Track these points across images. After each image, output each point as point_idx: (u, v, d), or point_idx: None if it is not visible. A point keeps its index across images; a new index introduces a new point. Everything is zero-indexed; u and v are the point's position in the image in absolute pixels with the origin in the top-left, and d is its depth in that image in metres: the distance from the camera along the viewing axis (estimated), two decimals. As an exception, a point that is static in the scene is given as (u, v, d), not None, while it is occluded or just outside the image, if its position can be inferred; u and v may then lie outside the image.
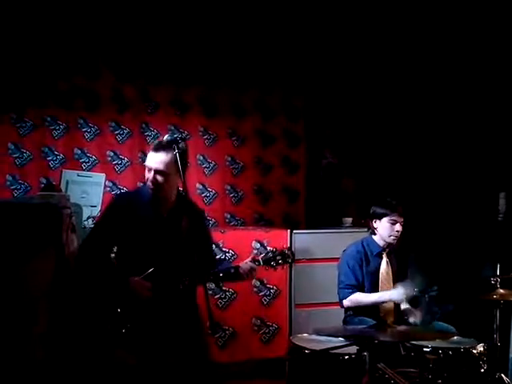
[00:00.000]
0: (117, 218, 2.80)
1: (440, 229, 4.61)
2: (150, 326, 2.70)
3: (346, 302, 3.41)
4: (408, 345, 2.88)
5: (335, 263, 3.68)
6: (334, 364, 2.78)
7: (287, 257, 2.88)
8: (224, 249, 4.20)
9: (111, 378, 2.70)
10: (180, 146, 2.72)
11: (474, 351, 2.88)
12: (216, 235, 4.27)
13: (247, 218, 4.89)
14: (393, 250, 3.56)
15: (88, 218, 3.78)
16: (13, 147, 4.32)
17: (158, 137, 4.60)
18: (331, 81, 5.09)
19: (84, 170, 4.41)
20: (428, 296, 3.53)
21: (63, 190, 3.89)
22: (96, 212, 3.92)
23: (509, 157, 4.34)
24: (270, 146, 4.98)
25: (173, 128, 4.68)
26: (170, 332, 2.73)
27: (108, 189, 4.42)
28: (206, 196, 4.74)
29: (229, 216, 4.86)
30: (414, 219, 3.71)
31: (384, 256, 3.53)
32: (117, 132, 4.57)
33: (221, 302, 4.20)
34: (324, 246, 4.42)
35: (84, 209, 3.71)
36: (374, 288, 3.47)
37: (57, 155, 4.41)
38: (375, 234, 3.54)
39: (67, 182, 3.93)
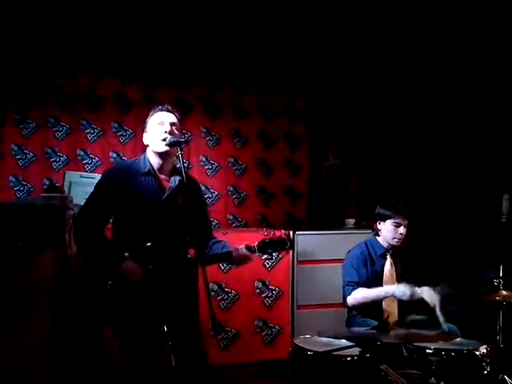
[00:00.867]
0: (112, 189, 2.73)
1: (443, 230, 4.60)
2: (144, 306, 2.63)
3: (350, 300, 3.40)
4: (411, 346, 2.88)
5: (338, 264, 3.68)
6: (336, 366, 2.77)
7: (285, 243, 2.75)
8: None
9: (110, 378, 2.70)
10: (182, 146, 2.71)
11: (477, 353, 2.87)
12: (218, 236, 4.27)
13: (250, 220, 4.89)
14: (397, 250, 3.56)
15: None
16: (16, 148, 4.33)
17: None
18: (334, 82, 5.09)
19: (87, 171, 4.41)
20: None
21: (66, 191, 3.91)
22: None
23: (512, 158, 4.34)
24: (272, 147, 4.98)
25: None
26: (163, 315, 2.65)
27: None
28: (208, 197, 4.73)
29: (231, 217, 4.86)
30: (417, 221, 3.70)
31: (388, 257, 3.53)
32: (120, 133, 4.58)
33: (223, 304, 4.20)
34: (326, 248, 4.42)
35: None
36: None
37: (60, 156, 4.41)
38: (379, 235, 3.55)
39: (70, 184, 3.94)
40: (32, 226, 2.86)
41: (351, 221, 4.86)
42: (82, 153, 4.47)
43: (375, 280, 3.48)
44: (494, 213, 4.38)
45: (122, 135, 4.58)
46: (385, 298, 3.38)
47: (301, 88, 5.04)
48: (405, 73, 4.90)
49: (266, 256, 4.29)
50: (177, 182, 2.77)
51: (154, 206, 2.72)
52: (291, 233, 4.19)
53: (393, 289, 3.36)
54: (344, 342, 2.82)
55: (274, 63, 4.94)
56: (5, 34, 4.17)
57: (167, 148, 2.73)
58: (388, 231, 3.48)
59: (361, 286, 3.41)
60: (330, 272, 4.15)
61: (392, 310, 3.42)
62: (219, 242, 2.93)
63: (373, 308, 3.41)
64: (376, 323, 3.24)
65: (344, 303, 3.47)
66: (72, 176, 4.02)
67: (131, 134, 4.60)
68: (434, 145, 4.83)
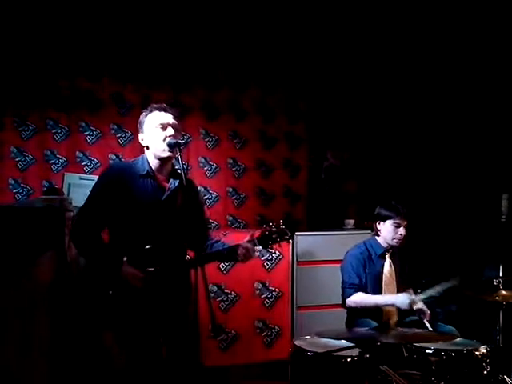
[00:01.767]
0: (110, 190, 2.68)
1: (443, 230, 4.60)
2: (142, 313, 2.63)
3: (348, 302, 3.41)
4: (411, 347, 2.88)
5: (337, 265, 3.67)
6: (336, 366, 2.77)
7: (284, 233, 2.74)
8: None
9: (107, 377, 2.70)
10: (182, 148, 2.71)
11: (477, 353, 2.87)
12: (218, 238, 4.26)
13: (249, 221, 4.89)
14: (396, 251, 3.56)
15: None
16: (15, 151, 4.32)
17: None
18: (333, 82, 5.09)
19: (86, 173, 4.41)
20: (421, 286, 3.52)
21: (65, 193, 3.91)
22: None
23: (511, 158, 4.34)
24: (271, 148, 4.98)
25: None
26: (162, 319, 2.66)
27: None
28: (207, 198, 4.73)
29: (231, 218, 4.86)
30: (417, 220, 3.71)
31: (387, 257, 3.53)
32: (119, 135, 4.57)
33: (223, 305, 4.20)
34: (326, 248, 4.42)
35: (86, 212, 3.71)
36: (377, 289, 3.48)
37: (59, 158, 4.41)
38: (378, 235, 3.55)
39: (69, 185, 3.94)
40: (31, 228, 2.86)
41: (351, 221, 4.86)
42: (81, 155, 4.47)
43: (374, 280, 3.48)
44: (493, 212, 4.38)
45: (121, 137, 4.58)
46: (384, 306, 3.38)
47: (300, 88, 5.04)
48: (404, 74, 4.91)
49: (265, 257, 4.31)
50: (176, 184, 2.74)
51: (152, 208, 2.69)
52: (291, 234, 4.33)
53: (392, 299, 3.37)
54: (344, 343, 2.82)
55: (272, 64, 4.93)
56: (4, 37, 4.17)
57: (170, 153, 2.70)
58: (388, 232, 3.48)
59: (361, 288, 3.42)
60: (330, 273, 4.15)
61: (392, 311, 3.41)
62: (217, 241, 2.90)
63: (373, 309, 3.41)
64: (376, 324, 3.25)
65: (343, 305, 3.48)
66: (71, 178, 4.02)
67: (130, 135, 4.59)
68: (433, 145, 4.83)
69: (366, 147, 5.17)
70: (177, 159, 2.70)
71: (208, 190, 4.77)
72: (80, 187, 3.99)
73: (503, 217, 4.35)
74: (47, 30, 4.29)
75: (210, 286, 3.99)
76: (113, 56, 4.52)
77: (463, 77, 4.61)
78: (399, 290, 3.47)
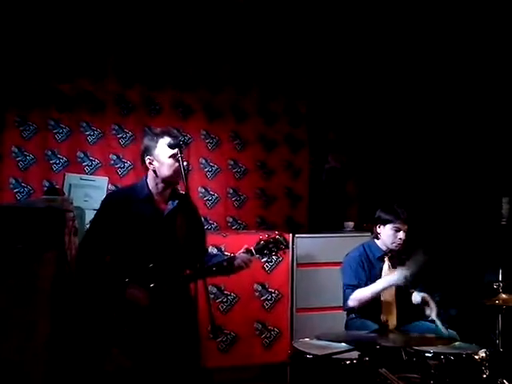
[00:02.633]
0: (112, 217, 2.79)
1: (443, 233, 4.60)
2: (147, 329, 2.70)
3: (350, 303, 3.40)
4: (410, 350, 2.88)
5: (337, 267, 3.68)
6: (335, 369, 2.77)
7: (280, 243, 2.81)
8: (226, 253, 4.18)
9: (108, 380, 2.71)
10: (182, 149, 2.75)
11: (476, 357, 2.86)
12: (218, 239, 4.27)
13: (249, 222, 4.89)
14: (395, 253, 3.55)
15: (90, 221, 3.78)
16: (16, 150, 4.33)
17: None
18: (334, 85, 5.09)
19: (87, 174, 4.41)
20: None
21: (66, 193, 3.91)
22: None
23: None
24: (272, 150, 4.98)
25: (175, 131, 4.68)
26: (166, 333, 2.73)
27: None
28: (208, 200, 4.74)
29: (231, 220, 4.86)
30: (417, 224, 3.70)
31: (386, 260, 3.53)
32: (120, 135, 4.58)
33: (222, 306, 4.20)
34: (326, 250, 4.42)
35: (86, 212, 3.72)
36: (377, 291, 3.47)
37: (60, 158, 4.41)
38: (378, 238, 3.55)
39: (70, 186, 3.95)
40: (32, 228, 2.87)
41: (350, 224, 4.86)
42: (82, 155, 4.47)
43: (374, 282, 3.47)
44: (493, 216, 4.38)
45: (121, 137, 4.58)
46: (384, 289, 3.36)
47: (301, 91, 5.04)
48: (405, 77, 4.91)
49: (265, 259, 4.30)
50: (175, 205, 2.82)
51: (152, 228, 2.78)
52: (290, 235, 4.33)
53: (388, 279, 3.35)
54: (343, 346, 2.82)
55: (274, 66, 4.93)
56: (5, 37, 4.18)
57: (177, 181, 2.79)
58: (387, 236, 3.48)
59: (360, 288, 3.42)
60: (330, 275, 4.15)
61: (391, 314, 3.41)
62: (215, 255, 3.04)
63: (372, 311, 3.41)
64: (375, 326, 3.25)
65: (345, 306, 3.47)
66: (72, 178, 4.02)
67: (131, 136, 4.60)
68: (433, 148, 4.83)
69: (366, 150, 5.17)
70: (178, 161, 2.74)
71: (208, 191, 4.77)
72: (80, 187, 4.00)
73: (503, 220, 4.35)
74: (49, 30, 4.30)
75: (210, 287, 3.97)
76: (115, 57, 4.53)
77: (463, 79, 4.61)
78: (397, 293, 3.47)
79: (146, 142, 2.86)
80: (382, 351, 2.59)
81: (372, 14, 4.60)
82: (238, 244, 4.23)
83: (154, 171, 2.82)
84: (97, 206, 3.94)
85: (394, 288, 3.46)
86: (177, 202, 2.82)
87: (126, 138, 4.59)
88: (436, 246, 4.54)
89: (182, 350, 2.74)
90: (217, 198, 4.81)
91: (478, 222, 4.47)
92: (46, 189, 4.22)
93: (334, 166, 5.14)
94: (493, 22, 4.29)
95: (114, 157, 4.56)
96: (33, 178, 4.35)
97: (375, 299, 3.41)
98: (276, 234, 2.85)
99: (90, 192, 4.03)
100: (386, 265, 3.52)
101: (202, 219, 3.21)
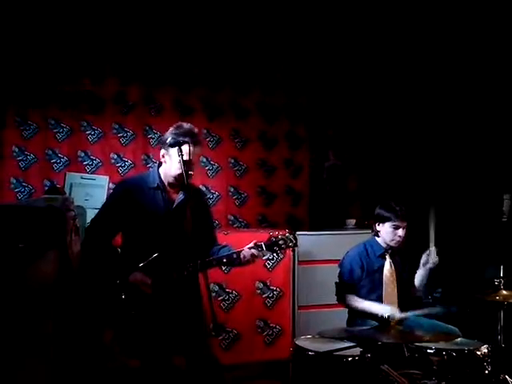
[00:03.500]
0: (123, 203, 2.84)
1: (444, 230, 4.60)
2: (153, 314, 2.74)
3: (339, 299, 3.46)
4: (412, 346, 2.88)
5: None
6: (337, 366, 2.78)
7: (289, 241, 2.84)
8: (228, 251, 4.20)
9: (111, 379, 2.73)
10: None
11: (478, 353, 2.88)
12: (219, 237, 4.25)
13: (250, 220, 4.89)
14: (396, 250, 3.56)
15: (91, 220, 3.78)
16: (17, 150, 4.33)
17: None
18: (334, 82, 5.09)
19: (87, 173, 4.42)
20: (432, 297, 3.53)
21: (67, 192, 3.90)
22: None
23: (513, 158, 4.34)
24: (273, 147, 4.98)
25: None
26: (172, 320, 2.77)
27: (111, 191, 4.42)
28: (209, 198, 4.73)
29: (232, 218, 4.86)
30: (418, 220, 3.70)
31: (387, 257, 3.53)
32: (120, 134, 4.58)
33: (224, 304, 4.20)
34: (327, 248, 4.42)
35: (87, 211, 3.72)
36: (378, 288, 3.47)
37: (61, 158, 4.42)
38: (378, 236, 3.55)
39: (71, 185, 3.94)
40: (33, 227, 2.86)
41: (352, 221, 4.86)
42: (83, 154, 4.48)
43: (374, 280, 3.47)
44: (494, 212, 4.38)
45: (122, 136, 4.59)
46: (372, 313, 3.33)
47: (301, 88, 5.04)
48: (405, 73, 4.91)
49: (266, 256, 4.30)
50: (185, 197, 2.86)
51: (162, 217, 2.83)
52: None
53: (380, 309, 3.30)
54: (345, 343, 2.82)
55: (274, 64, 4.94)
56: (5, 36, 4.18)
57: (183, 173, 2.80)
58: (386, 233, 3.49)
59: (353, 288, 3.44)
60: (331, 272, 4.12)
61: (393, 309, 3.41)
62: (224, 246, 3.00)
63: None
64: (376, 323, 3.24)
65: (337, 300, 3.48)
66: (73, 177, 4.02)
67: (132, 135, 4.60)
68: (434, 145, 4.83)
69: (367, 147, 5.17)
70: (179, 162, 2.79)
71: (209, 190, 4.77)
72: (81, 187, 3.99)
73: (504, 217, 4.35)
74: (50, 30, 4.30)
75: (212, 285, 3.99)
76: (115, 56, 4.53)
77: (464, 77, 4.61)
78: (399, 290, 3.47)
79: (168, 137, 2.89)
80: (384, 348, 2.60)
81: (371, 11, 4.60)
82: (239, 242, 4.25)
83: (165, 164, 2.89)
84: (98, 205, 3.98)
85: (395, 285, 3.47)
86: (187, 194, 2.85)
87: (126, 136, 4.60)
88: (437, 242, 4.54)
89: (189, 339, 2.79)
90: (218, 196, 4.81)
91: (479, 219, 4.47)
92: (46, 188, 4.23)
93: (335, 162, 5.14)
94: (493, 22, 4.28)
95: (115, 156, 4.56)
96: (33, 178, 4.35)
97: (377, 296, 3.43)
98: (286, 232, 2.88)
99: (90, 191, 4.02)
100: (388, 262, 3.52)
101: (212, 213, 3.22)
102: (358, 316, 3.44)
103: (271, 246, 2.82)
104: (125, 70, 4.57)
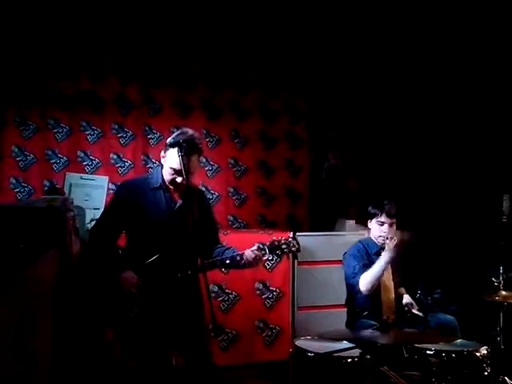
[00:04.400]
0: (125, 204, 2.87)
1: (444, 230, 4.60)
2: (154, 314, 2.77)
3: (363, 288, 3.34)
4: (411, 348, 2.88)
5: (338, 265, 3.68)
6: (336, 367, 2.78)
7: (292, 245, 2.86)
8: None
9: (111, 379, 2.73)
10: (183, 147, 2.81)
11: (478, 354, 2.88)
12: (219, 238, 4.27)
13: (250, 221, 4.89)
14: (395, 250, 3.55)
15: (91, 220, 3.78)
16: (16, 150, 4.33)
17: (161, 139, 4.61)
18: (334, 83, 5.09)
19: (87, 173, 4.42)
20: (431, 298, 3.52)
21: (66, 192, 3.90)
22: (99, 215, 3.92)
23: (512, 159, 4.34)
24: (272, 148, 4.98)
25: (175, 130, 4.68)
26: (172, 320, 2.79)
27: (111, 191, 4.41)
28: (208, 198, 4.73)
29: (232, 218, 4.86)
30: (418, 220, 3.71)
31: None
32: (120, 135, 4.58)
33: (223, 305, 4.20)
34: (327, 248, 4.41)
35: (87, 211, 3.73)
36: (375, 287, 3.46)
37: (60, 158, 4.42)
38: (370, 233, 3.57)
39: (70, 185, 3.93)
40: (33, 227, 2.86)
41: (351, 222, 4.85)
42: (83, 154, 4.48)
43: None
44: (494, 213, 4.37)
45: (122, 137, 4.59)
46: (387, 262, 3.31)
47: (301, 89, 5.04)
48: (405, 74, 4.90)
49: (266, 257, 4.29)
50: (187, 198, 2.88)
51: (164, 217, 2.85)
52: (291, 234, 4.30)
53: (384, 254, 3.31)
54: (344, 344, 2.82)
55: (274, 64, 4.94)
56: (5, 36, 4.17)
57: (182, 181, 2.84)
58: (374, 230, 3.51)
59: (362, 272, 3.38)
60: (331, 273, 4.15)
61: (391, 312, 3.41)
62: (228, 248, 3.02)
63: (371, 307, 3.41)
64: (376, 324, 3.25)
65: (358, 293, 3.41)
66: (72, 177, 4.01)
67: (131, 135, 4.60)
68: (434, 145, 4.83)
69: (367, 148, 5.17)
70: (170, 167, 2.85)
71: (209, 190, 4.77)
72: (81, 187, 3.99)
73: (504, 217, 4.34)
74: (49, 30, 4.30)
75: (211, 285, 3.98)
76: (115, 56, 4.53)
77: (464, 77, 4.60)
78: (396, 289, 3.47)
79: (171, 140, 2.91)
80: (383, 349, 2.60)
81: (372, 12, 4.60)
82: (238, 243, 4.25)
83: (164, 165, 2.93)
84: (97, 205, 4.00)
85: (392, 284, 3.47)
86: (189, 195, 2.87)
87: (126, 137, 4.59)
88: (437, 242, 4.55)
89: (189, 339, 2.81)
90: (217, 196, 4.81)
91: (479, 219, 4.47)
92: (46, 188, 4.23)
93: (335, 163, 5.14)
94: (493, 22, 4.28)
95: (115, 156, 4.56)
96: (33, 178, 4.35)
97: (376, 297, 3.42)
98: (289, 237, 2.91)
99: (90, 191, 4.02)
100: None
101: (215, 215, 3.26)
102: (357, 317, 3.44)
103: (274, 249, 2.84)
104: (124, 70, 4.57)
